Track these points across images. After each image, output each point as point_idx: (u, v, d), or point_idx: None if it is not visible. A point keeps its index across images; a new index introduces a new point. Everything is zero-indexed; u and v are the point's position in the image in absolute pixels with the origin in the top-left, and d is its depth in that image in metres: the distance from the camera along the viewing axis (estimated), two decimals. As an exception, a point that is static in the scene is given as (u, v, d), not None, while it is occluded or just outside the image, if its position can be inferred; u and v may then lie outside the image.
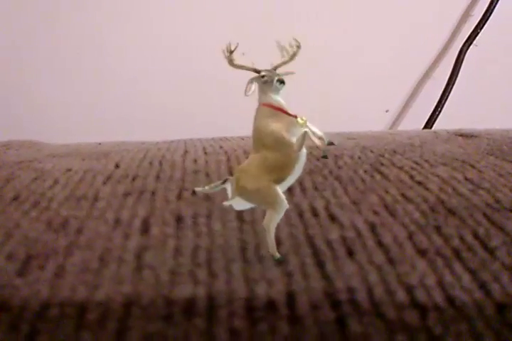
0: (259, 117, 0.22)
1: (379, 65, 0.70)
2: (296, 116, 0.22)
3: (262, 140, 0.21)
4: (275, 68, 0.22)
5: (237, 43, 0.22)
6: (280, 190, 0.21)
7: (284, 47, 0.22)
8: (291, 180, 0.21)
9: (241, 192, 0.21)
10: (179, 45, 0.67)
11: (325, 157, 0.23)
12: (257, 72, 0.22)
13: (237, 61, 0.22)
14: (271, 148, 0.21)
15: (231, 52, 0.22)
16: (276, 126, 0.21)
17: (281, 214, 0.21)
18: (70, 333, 0.18)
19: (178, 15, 0.66)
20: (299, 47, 0.22)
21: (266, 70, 0.22)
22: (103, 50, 0.67)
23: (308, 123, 0.22)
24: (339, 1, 0.68)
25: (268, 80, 0.22)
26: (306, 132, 0.21)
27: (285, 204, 0.21)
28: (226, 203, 0.22)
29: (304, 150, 0.22)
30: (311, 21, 0.67)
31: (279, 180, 0.21)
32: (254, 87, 0.22)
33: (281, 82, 0.22)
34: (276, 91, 0.22)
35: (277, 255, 0.21)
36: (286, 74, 0.22)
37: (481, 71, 0.71)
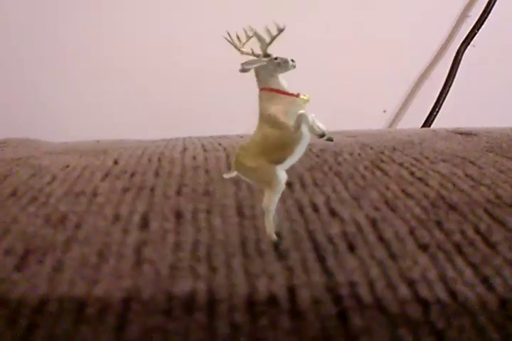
0: (260, 102, 0.22)
1: (376, 66, 0.70)
2: (297, 95, 0.22)
3: (263, 122, 0.22)
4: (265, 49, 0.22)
5: (244, 29, 0.22)
6: (280, 170, 0.21)
7: (262, 33, 0.22)
8: (291, 161, 0.22)
9: (239, 167, 0.22)
10: (178, 45, 0.67)
11: (329, 139, 0.22)
12: (268, 56, 0.22)
13: (245, 48, 0.23)
14: (271, 129, 0.21)
15: (239, 39, 0.22)
16: (275, 108, 0.21)
17: (279, 194, 0.21)
18: (69, 328, 0.17)
19: (178, 14, 0.66)
20: (281, 30, 0.22)
21: (269, 54, 0.22)
22: (103, 51, 0.67)
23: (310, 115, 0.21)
24: (337, 2, 0.68)
25: (281, 62, 0.22)
26: (301, 114, 0.21)
27: (282, 185, 0.21)
28: (225, 176, 0.23)
29: (306, 133, 0.21)
30: (309, 21, 0.67)
31: (278, 161, 0.21)
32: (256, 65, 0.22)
33: (293, 60, 0.22)
34: (280, 72, 0.22)
35: (274, 237, 0.21)
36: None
37: (478, 71, 0.71)
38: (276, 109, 0.21)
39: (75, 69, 0.67)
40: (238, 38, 0.22)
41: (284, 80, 0.22)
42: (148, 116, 0.68)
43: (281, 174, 0.21)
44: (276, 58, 0.22)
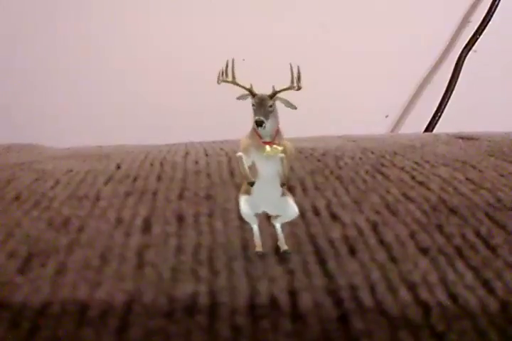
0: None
1: (378, 71, 0.70)
2: (269, 144, 0.20)
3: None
4: (273, 94, 0.20)
5: (233, 60, 0.20)
6: (246, 202, 0.21)
7: (294, 72, 0.20)
8: (257, 199, 0.21)
9: None
10: (177, 46, 0.67)
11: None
12: (253, 94, 0.20)
13: (233, 78, 0.21)
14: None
15: (222, 75, 0.21)
16: (245, 142, 0.21)
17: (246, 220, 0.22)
18: (71, 330, 0.17)
19: (178, 13, 0.67)
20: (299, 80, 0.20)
21: (259, 97, 0.20)
22: (105, 54, 0.67)
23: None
24: (339, 6, 0.68)
25: (254, 104, 0.20)
26: (239, 156, 0.20)
27: (243, 215, 0.21)
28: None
29: (260, 173, 0.21)
30: (310, 25, 0.68)
31: (246, 192, 0.21)
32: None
33: (258, 124, 0.20)
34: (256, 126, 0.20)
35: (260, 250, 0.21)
36: (287, 104, 0.20)
37: (480, 76, 0.71)
38: (244, 144, 0.21)
39: (74, 72, 0.67)
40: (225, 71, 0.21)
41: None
42: (151, 119, 0.68)
43: (245, 207, 0.21)
44: (253, 104, 0.20)
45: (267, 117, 0.20)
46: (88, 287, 0.19)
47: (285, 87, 0.20)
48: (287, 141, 0.21)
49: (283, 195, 0.21)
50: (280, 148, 0.20)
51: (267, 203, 0.22)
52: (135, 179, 0.31)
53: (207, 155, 0.37)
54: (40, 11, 0.65)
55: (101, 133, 0.65)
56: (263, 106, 0.20)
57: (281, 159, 0.20)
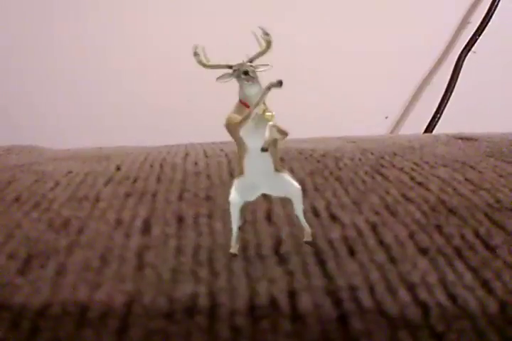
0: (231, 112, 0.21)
1: (378, 71, 0.70)
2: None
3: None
4: (250, 60, 0.21)
5: (203, 46, 0.21)
6: (237, 188, 0.21)
7: (259, 37, 0.21)
8: (249, 180, 0.21)
9: None
10: (176, 46, 0.67)
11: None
12: (230, 67, 0.21)
13: (210, 61, 0.21)
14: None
15: (196, 54, 0.21)
16: (232, 116, 0.21)
17: (231, 211, 0.22)
18: (72, 331, 0.17)
19: (178, 14, 0.67)
20: (268, 35, 0.20)
21: (238, 64, 0.20)
22: (104, 55, 0.67)
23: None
24: (339, 6, 0.69)
25: (239, 74, 0.20)
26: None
27: (231, 204, 0.22)
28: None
29: (253, 147, 0.20)
30: (310, 25, 0.68)
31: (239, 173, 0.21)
32: (229, 78, 0.21)
33: (245, 72, 0.20)
34: (248, 84, 0.20)
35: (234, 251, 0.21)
36: (263, 67, 0.21)
37: (479, 77, 0.71)
38: (235, 118, 0.20)
39: (73, 73, 0.67)
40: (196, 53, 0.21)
41: (256, 90, 0.20)
42: (150, 120, 0.68)
43: (235, 194, 0.21)
44: (234, 71, 0.20)
45: (252, 72, 0.20)
46: (88, 288, 0.19)
47: (259, 51, 0.21)
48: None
49: (277, 170, 0.21)
50: (273, 113, 0.20)
51: (262, 181, 0.21)
52: (135, 180, 0.31)
53: (206, 156, 0.37)
54: (39, 11, 0.65)
55: (100, 134, 0.65)
56: (244, 65, 0.20)
57: (270, 127, 0.20)
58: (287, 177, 0.21)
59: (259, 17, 0.66)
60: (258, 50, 0.21)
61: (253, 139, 0.20)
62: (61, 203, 0.28)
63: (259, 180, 0.21)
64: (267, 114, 0.20)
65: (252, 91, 0.20)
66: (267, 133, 0.20)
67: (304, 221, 0.22)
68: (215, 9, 0.66)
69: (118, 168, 0.34)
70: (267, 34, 0.21)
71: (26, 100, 0.68)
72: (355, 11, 0.69)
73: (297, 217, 0.22)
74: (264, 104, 0.20)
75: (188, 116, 0.68)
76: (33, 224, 0.25)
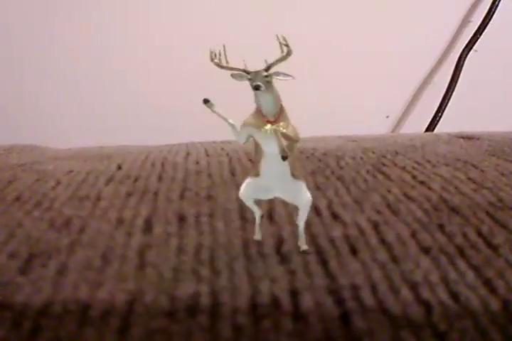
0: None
1: (379, 71, 0.70)
2: (272, 123, 0.20)
3: None
4: (268, 68, 0.20)
5: (223, 45, 0.21)
6: (248, 186, 0.21)
7: (281, 42, 0.20)
8: (264, 182, 0.21)
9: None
10: (179, 46, 0.67)
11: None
12: (247, 73, 0.20)
13: (227, 63, 0.21)
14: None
15: (214, 56, 0.21)
16: (247, 121, 0.21)
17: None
18: (73, 330, 0.17)
19: (180, 15, 0.67)
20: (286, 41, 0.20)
21: (253, 73, 0.20)
22: (106, 54, 0.67)
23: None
24: (340, 6, 0.68)
25: (250, 83, 0.20)
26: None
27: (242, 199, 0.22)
28: None
29: (270, 151, 0.21)
30: (310, 25, 0.68)
31: (254, 174, 0.21)
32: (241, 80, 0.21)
33: (256, 88, 0.20)
34: (259, 92, 0.20)
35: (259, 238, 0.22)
36: (284, 76, 0.20)
37: (481, 76, 0.71)
38: (247, 121, 0.21)
39: (75, 72, 0.67)
40: (214, 55, 0.21)
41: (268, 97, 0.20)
42: (151, 119, 0.68)
43: (245, 190, 0.21)
44: (249, 78, 0.20)
45: (264, 84, 0.20)
46: (89, 287, 0.19)
47: (278, 57, 0.20)
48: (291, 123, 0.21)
49: (296, 178, 0.21)
50: (281, 128, 0.20)
51: (278, 185, 0.21)
52: (136, 179, 0.31)
53: (208, 155, 0.37)
54: (41, 11, 0.65)
55: (102, 134, 0.65)
56: (258, 75, 0.20)
57: (275, 132, 0.20)
58: (302, 186, 0.21)
59: (260, 17, 0.66)
60: (277, 56, 0.20)
61: (268, 146, 0.21)
62: (62, 202, 0.28)
63: (273, 183, 0.21)
64: (265, 128, 0.20)
65: (262, 99, 0.20)
66: (276, 140, 0.20)
67: (303, 232, 0.22)
68: (217, 9, 0.66)
69: (119, 167, 0.34)
70: (286, 45, 0.20)
71: (29, 100, 0.68)
72: (355, 11, 0.69)
73: (297, 225, 0.22)
74: (282, 114, 0.20)
75: (190, 116, 0.68)
76: (34, 223, 0.25)
